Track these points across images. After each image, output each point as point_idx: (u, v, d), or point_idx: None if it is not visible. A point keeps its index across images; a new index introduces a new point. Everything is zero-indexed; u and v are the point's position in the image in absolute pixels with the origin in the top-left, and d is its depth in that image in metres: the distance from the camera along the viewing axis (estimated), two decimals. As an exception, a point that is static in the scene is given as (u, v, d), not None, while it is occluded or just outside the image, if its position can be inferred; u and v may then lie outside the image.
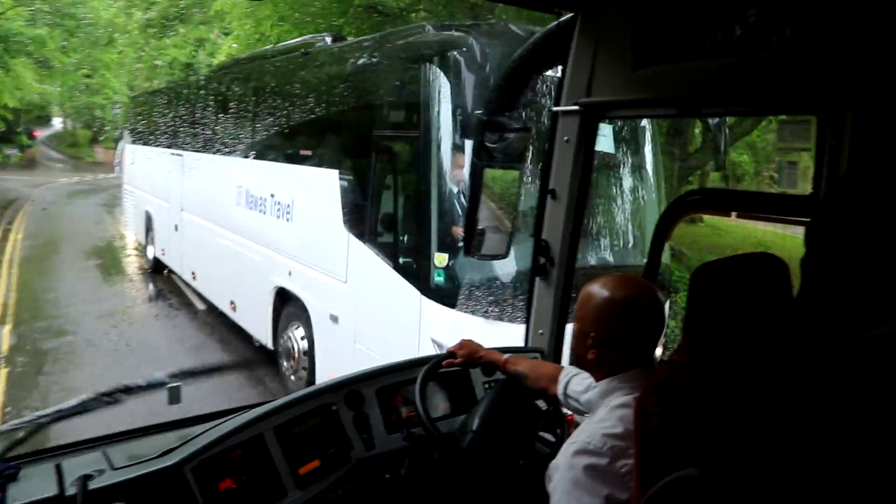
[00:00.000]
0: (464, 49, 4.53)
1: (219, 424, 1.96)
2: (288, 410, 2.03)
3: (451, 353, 2.25)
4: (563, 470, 1.48)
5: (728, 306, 1.24)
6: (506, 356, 2.21)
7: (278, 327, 6.63)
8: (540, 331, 2.56)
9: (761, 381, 0.86)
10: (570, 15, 2.35)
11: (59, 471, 1.71)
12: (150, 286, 11.40)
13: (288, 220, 6.45)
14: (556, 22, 2.40)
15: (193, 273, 9.17)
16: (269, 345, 6.78)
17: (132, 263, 13.26)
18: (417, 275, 4.58)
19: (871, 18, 1.60)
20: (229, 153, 8.23)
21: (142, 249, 12.81)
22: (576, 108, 2.27)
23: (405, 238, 4.86)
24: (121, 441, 2.02)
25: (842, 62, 1.63)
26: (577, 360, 1.73)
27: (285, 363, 6.46)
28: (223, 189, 7.98)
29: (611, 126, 4.33)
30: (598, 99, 2.23)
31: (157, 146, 11.58)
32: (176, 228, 9.87)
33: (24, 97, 26.75)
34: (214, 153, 8.66)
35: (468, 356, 2.24)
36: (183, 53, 20.95)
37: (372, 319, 5.16)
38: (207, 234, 8.52)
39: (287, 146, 6.93)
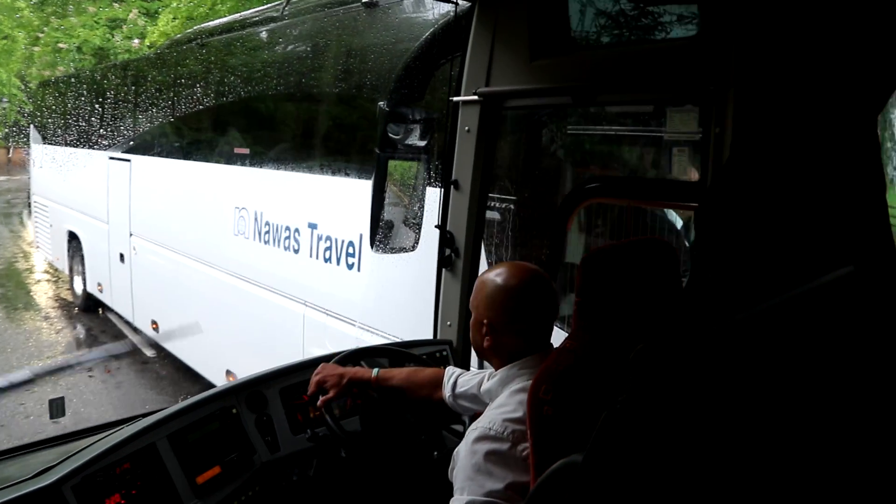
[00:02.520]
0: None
1: (106, 437, 1.84)
2: (183, 417, 1.93)
3: (321, 388, 2.01)
4: (464, 456, 1.47)
5: (617, 291, 1.26)
6: (374, 371, 2.04)
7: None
8: (448, 322, 2.56)
9: (638, 366, 0.87)
10: (467, 5, 2.35)
11: None
12: (78, 327, 8.54)
13: (351, 267, 4.05)
14: (454, 12, 2.40)
15: (155, 323, 6.70)
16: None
17: (45, 295, 10.16)
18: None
19: (748, 10, 1.66)
20: (219, 159, 5.96)
21: (64, 280, 9.67)
22: (475, 98, 2.27)
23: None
24: None
25: (722, 53, 1.69)
26: (475, 349, 1.73)
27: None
28: (209, 211, 5.79)
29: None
30: (496, 89, 2.24)
31: (86, 147, 8.79)
32: (122, 259, 7.33)
33: None
34: (191, 159, 6.40)
35: (336, 386, 2.00)
36: (94, 35, 18.34)
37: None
38: (181, 273, 6.13)
39: (347, 152, 4.51)
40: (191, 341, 5.96)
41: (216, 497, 1.89)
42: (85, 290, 8.67)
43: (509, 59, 2.22)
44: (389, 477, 2.09)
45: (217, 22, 7.17)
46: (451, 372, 1.95)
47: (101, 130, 8.46)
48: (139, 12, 17.10)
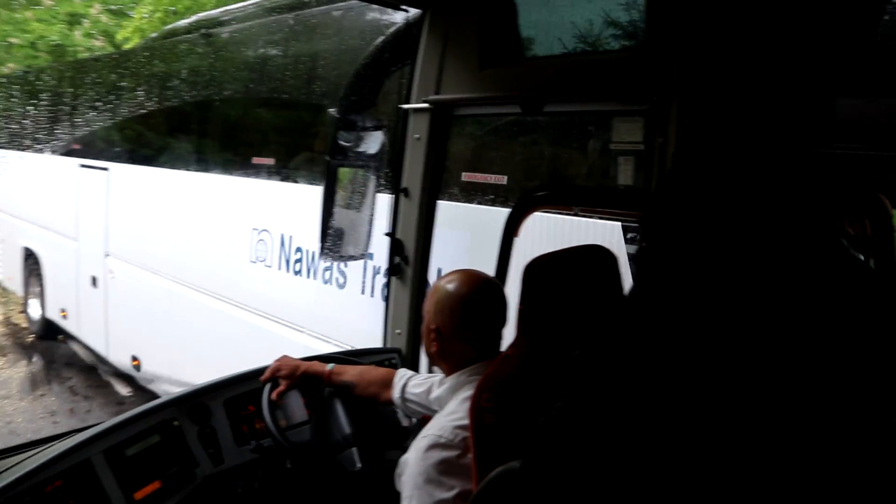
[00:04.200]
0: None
1: (36, 454, 1.76)
2: (121, 431, 1.86)
3: (273, 381, 2.09)
4: (413, 465, 1.46)
5: (559, 298, 1.27)
6: (329, 366, 2.11)
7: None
8: (397, 330, 2.54)
9: (575, 372, 0.87)
10: (418, 12, 2.35)
11: None
12: (35, 359, 7.34)
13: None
14: (405, 19, 2.40)
15: (136, 359, 5.66)
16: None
17: None
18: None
19: (690, 23, 1.71)
20: (228, 171, 5.05)
21: (16, 302, 8.45)
22: (425, 105, 2.27)
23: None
24: None
25: (665, 64, 1.73)
26: (427, 355, 1.73)
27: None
28: (215, 231, 4.92)
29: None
30: (446, 97, 2.24)
31: (45, 152, 7.70)
32: (94, 282, 6.31)
33: None
34: (189, 170, 5.41)
35: (289, 377, 2.09)
36: (51, 31, 17.92)
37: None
38: (173, 303, 5.24)
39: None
40: (183, 386, 4.95)
41: None
42: (43, 315, 7.51)
43: (459, 67, 2.23)
44: (336, 488, 2.06)
45: (217, 11, 6.24)
46: (402, 374, 1.95)
47: (70, 134, 7.39)
48: (103, 8, 16.36)
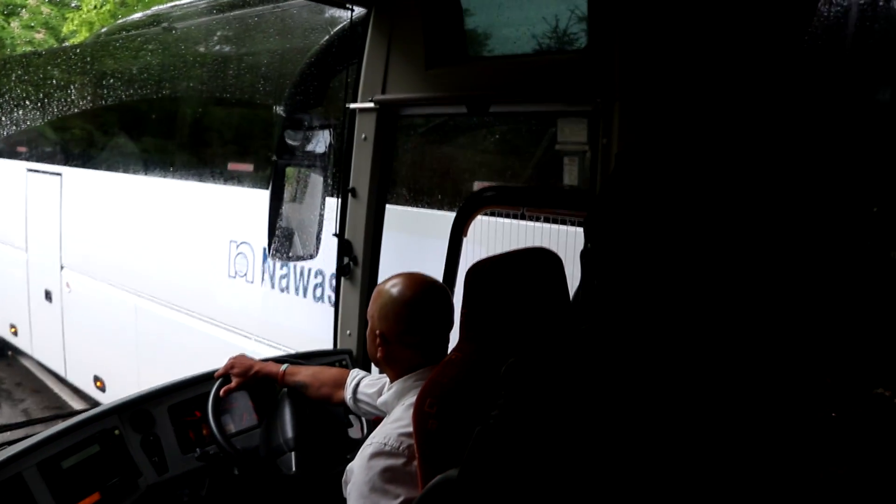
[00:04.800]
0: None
1: None
2: (57, 442, 1.80)
3: (225, 377, 2.09)
4: (358, 473, 1.45)
5: (502, 301, 1.27)
6: (283, 367, 2.10)
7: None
8: (347, 331, 2.53)
9: (510, 380, 0.87)
10: (363, 11, 2.33)
11: None
12: None
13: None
14: (350, 18, 2.38)
15: (99, 381, 5.30)
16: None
17: None
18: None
19: (633, 25, 1.73)
20: (201, 177, 4.64)
21: None
22: (371, 105, 2.26)
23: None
24: None
25: (610, 65, 1.75)
26: (371, 359, 1.72)
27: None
28: (188, 243, 4.57)
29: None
30: (393, 97, 2.23)
31: None
32: (48, 297, 5.90)
33: None
34: (158, 175, 5.01)
35: (242, 375, 2.08)
36: None
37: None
38: (141, 321, 4.88)
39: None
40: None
41: None
42: None
43: (405, 66, 2.21)
44: (279, 494, 2.03)
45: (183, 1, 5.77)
46: (354, 374, 1.94)
47: (13, 136, 6.80)
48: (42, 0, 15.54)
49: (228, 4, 4.92)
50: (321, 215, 2.83)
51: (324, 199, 2.83)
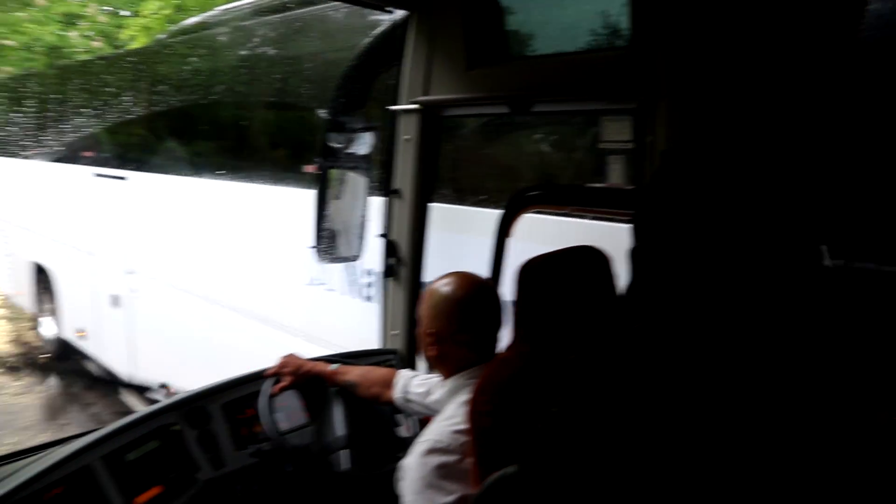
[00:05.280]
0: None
1: (35, 461, 1.77)
2: (120, 436, 1.88)
3: (276, 376, 2.16)
4: (413, 469, 1.47)
5: (553, 299, 1.28)
6: (333, 366, 2.16)
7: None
8: (393, 331, 2.55)
9: (571, 376, 0.88)
10: (404, 13, 2.35)
11: None
12: (52, 382, 6.74)
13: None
14: (391, 21, 2.40)
15: (167, 388, 4.40)
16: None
17: (3, 338, 8.13)
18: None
19: (679, 20, 1.71)
20: (279, 180, 4.32)
21: (26, 319, 7.90)
22: (414, 106, 2.27)
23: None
24: None
25: (655, 61, 1.73)
26: (426, 359, 1.74)
27: None
28: (262, 250, 4.36)
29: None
30: (435, 98, 2.24)
31: (57, 161, 7.01)
32: (115, 302, 5.79)
33: None
34: (228, 179, 4.72)
35: (293, 374, 2.15)
36: (46, 32, 16.73)
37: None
38: (215, 327, 4.68)
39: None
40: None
41: None
42: (59, 334, 7.02)
43: (447, 68, 2.22)
44: (331, 491, 2.07)
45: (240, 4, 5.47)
46: (404, 374, 1.98)
47: (80, 141, 6.75)
48: (99, 9, 15.87)
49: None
50: (365, 217, 2.87)
51: (367, 201, 2.86)
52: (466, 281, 1.67)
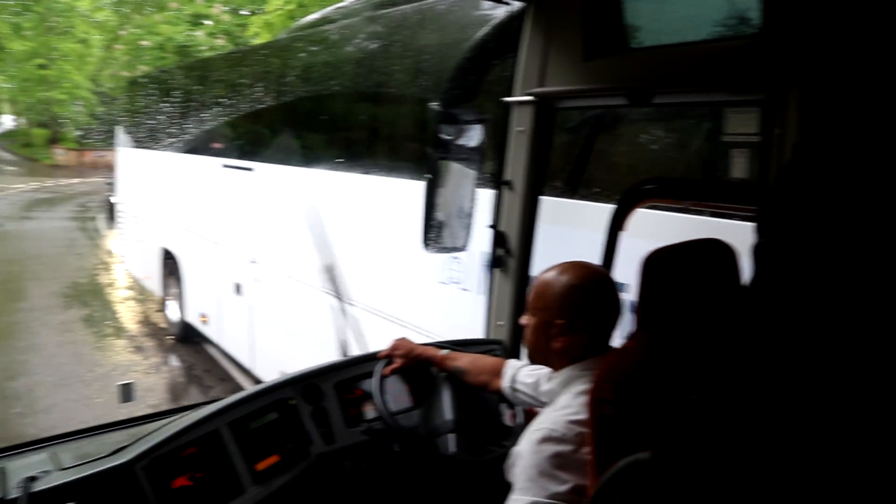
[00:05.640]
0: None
1: (173, 421, 1.92)
2: (244, 406, 2.00)
3: (388, 358, 2.23)
4: (527, 457, 1.47)
5: (678, 291, 1.26)
6: (443, 352, 2.20)
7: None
8: (499, 322, 2.57)
9: (710, 365, 0.87)
10: (521, 5, 2.35)
11: (2, 474, 1.66)
12: (173, 362, 7.23)
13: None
14: (507, 12, 2.41)
15: (284, 374, 4.00)
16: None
17: (133, 319, 8.76)
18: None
19: (814, 6, 1.63)
20: (408, 173, 4.06)
21: (153, 301, 8.52)
22: (529, 98, 2.27)
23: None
24: (69, 441, 1.97)
25: (786, 50, 1.66)
26: (535, 353, 1.71)
27: None
28: (389, 246, 4.18)
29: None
30: (550, 89, 2.24)
31: (188, 152, 7.28)
32: (238, 290, 5.96)
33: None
34: (357, 171, 4.62)
35: (404, 357, 2.22)
36: (177, 32, 17.25)
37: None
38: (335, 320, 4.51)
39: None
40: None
41: (274, 484, 1.96)
42: (182, 318, 7.35)
43: (563, 59, 2.21)
44: (438, 473, 2.12)
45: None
46: (512, 363, 2.00)
47: (210, 133, 6.92)
48: (223, 8, 16.79)
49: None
50: (473, 208, 2.89)
51: (475, 192, 2.89)
52: (585, 269, 1.64)
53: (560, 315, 1.60)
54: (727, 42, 1.90)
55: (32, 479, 1.62)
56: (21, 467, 1.70)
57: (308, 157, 5.31)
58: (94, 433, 2.05)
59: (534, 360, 1.76)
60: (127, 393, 2.07)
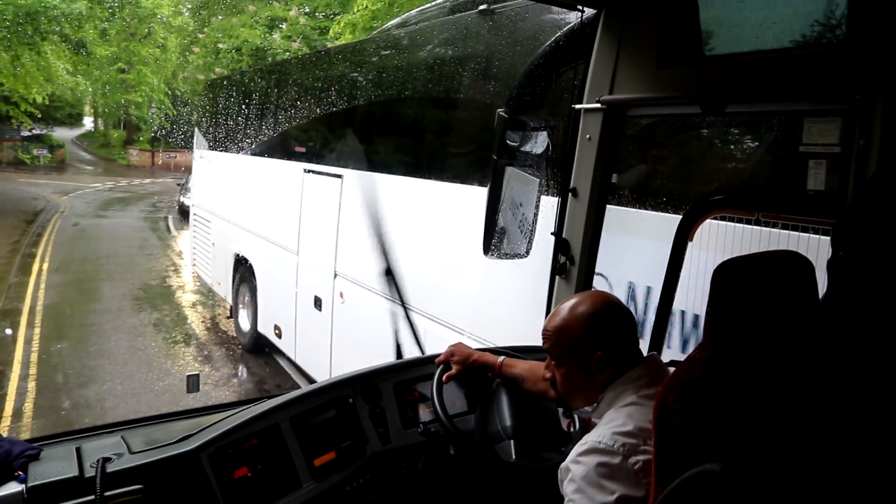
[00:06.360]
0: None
1: (236, 413, 1.98)
2: (305, 402, 2.05)
3: (446, 364, 2.24)
4: (574, 469, 1.47)
5: (749, 303, 1.23)
6: (500, 358, 2.20)
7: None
8: None
9: (781, 379, 0.84)
10: (593, 12, 2.34)
11: (78, 453, 1.75)
12: (244, 374, 7.03)
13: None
14: (578, 19, 2.39)
15: None
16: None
17: (202, 325, 8.65)
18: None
19: None
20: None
21: (222, 306, 8.28)
22: (598, 105, 2.26)
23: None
24: (139, 426, 2.06)
25: (872, 58, 1.60)
26: (578, 398, 1.64)
27: None
28: (501, 272, 3.55)
29: None
30: (620, 97, 2.21)
31: (269, 156, 6.89)
32: (318, 304, 5.51)
33: (55, 91, 22.63)
34: (461, 181, 4.07)
35: (462, 363, 2.22)
36: (254, 34, 17.53)
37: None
38: (432, 347, 4.07)
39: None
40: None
41: (330, 481, 1.99)
42: (254, 329, 6.99)
43: (635, 67, 2.19)
44: (494, 479, 2.11)
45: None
46: None
47: (294, 137, 6.46)
48: (300, 11, 17.17)
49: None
50: (536, 215, 2.89)
51: (539, 199, 2.88)
52: (597, 296, 1.67)
53: (595, 347, 1.58)
54: (807, 49, 1.84)
55: (107, 459, 1.70)
56: (96, 448, 1.79)
57: (402, 165, 4.85)
58: (163, 420, 2.14)
59: (576, 405, 1.66)
60: (194, 383, 2.15)
